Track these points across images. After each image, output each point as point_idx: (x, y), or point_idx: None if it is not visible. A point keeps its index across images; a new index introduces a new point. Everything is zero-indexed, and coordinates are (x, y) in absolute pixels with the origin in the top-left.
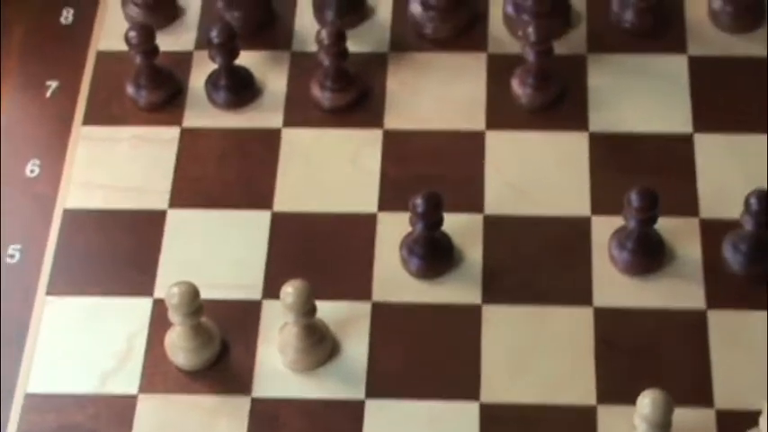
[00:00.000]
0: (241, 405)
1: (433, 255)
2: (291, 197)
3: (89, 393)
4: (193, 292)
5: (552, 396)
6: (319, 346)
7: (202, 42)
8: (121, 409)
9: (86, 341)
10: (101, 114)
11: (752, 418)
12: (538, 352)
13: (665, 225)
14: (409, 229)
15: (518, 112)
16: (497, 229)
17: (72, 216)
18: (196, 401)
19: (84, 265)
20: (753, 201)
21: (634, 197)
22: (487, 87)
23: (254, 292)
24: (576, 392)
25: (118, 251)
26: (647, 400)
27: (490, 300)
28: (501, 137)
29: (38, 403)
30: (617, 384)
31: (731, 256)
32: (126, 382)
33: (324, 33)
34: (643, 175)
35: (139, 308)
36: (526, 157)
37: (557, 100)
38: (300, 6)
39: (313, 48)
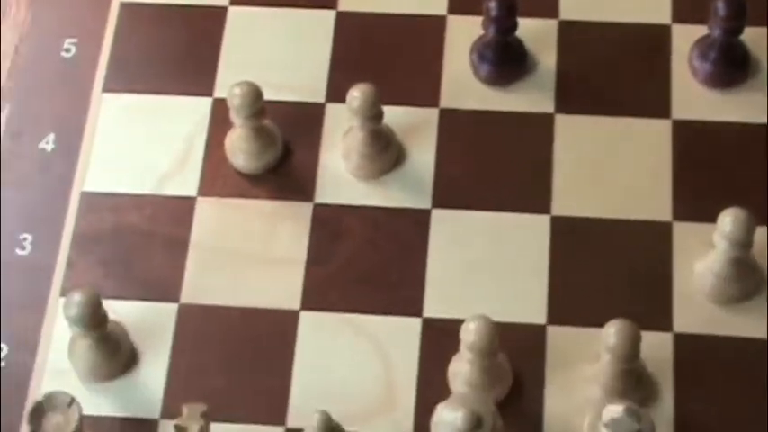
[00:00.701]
0: (303, 211)
1: (505, 60)
2: None
3: (146, 194)
4: (256, 92)
5: (626, 211)
6: (385, 152)
7: None
8: (179, 211)
9: (144, 141)
10: None
11: None
12: (612, 165)
13: (751, 35)
14: (481, 32)
15: None
16: (573, 34)
17: (129, 9)
18: (256, 206)
19: (141, 61)
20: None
21: (720, 5)
22: None
23: (318, 95)
24: (652, 208)
25: (177, 48)
26: (729, 218)
27: (563, 109)
28: None
29: (94, 202)
30: (694, 201)
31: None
32: (184, 183)
33: None
34: None
35: (199, 108)
36: None
37: None
38: None
39: None
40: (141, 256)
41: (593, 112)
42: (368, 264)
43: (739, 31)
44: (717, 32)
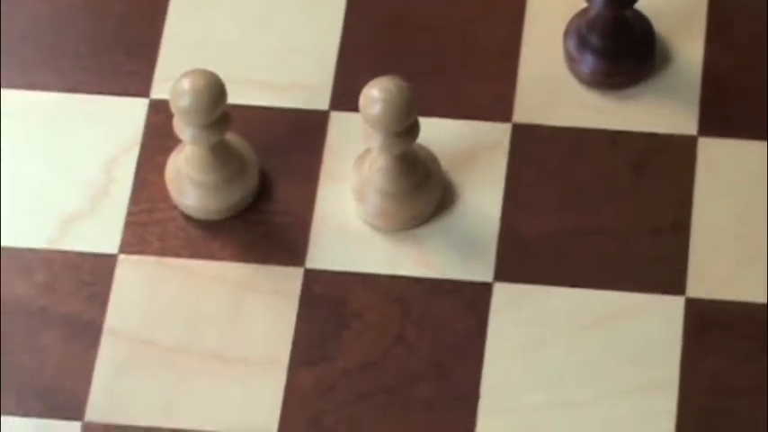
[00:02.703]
0: (288, 281)
1: (621, 49)
2: None
3: (39, 249)
4: (216, 88)
5: None
6: (421, 190)
7: None
8: (90, 277)
9: (41, 165)
10: None
11: None
12: None
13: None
14: (581, 3)
15: None
16: (734, 9)
17: None
18: (213, 271)
19: (42, 41)
20: None
21: None
22: None
23: (318, 97)
24: None
25: (94, 19)
26: None
27: (713, 130)
28: None
29: None
30: None
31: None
32: (99, 233)
33: None
34: None
35: (127, 113)
36: None
37: None
38: None
39: None
40: (28, 347)
41: (763, 135)
42: (390, 370)
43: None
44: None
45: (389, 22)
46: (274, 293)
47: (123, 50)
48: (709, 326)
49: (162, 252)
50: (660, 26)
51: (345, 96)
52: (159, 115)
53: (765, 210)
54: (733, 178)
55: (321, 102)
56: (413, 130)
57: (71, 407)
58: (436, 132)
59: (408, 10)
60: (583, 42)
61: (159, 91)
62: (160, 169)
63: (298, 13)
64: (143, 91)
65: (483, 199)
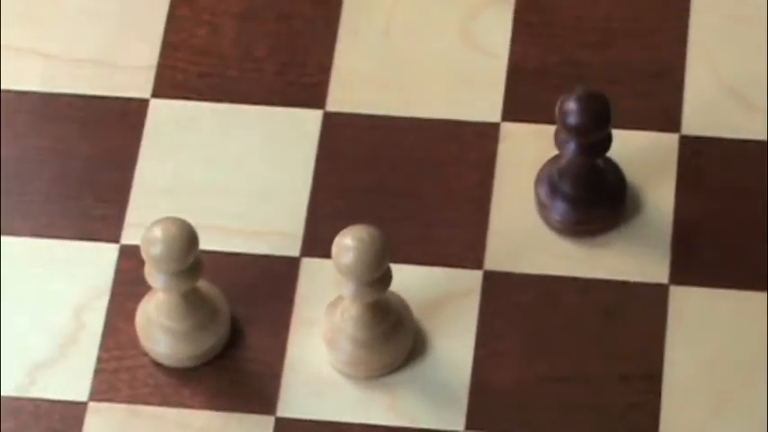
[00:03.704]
0: (260, 430)
1: (592, 197)
2: (357, 88)
3: (10, 396)
4: (187, 236)
5: None
6: (393, 338)
7: None
8: (61, 424)
9: (11, 310)
10: None
11: None
12: (761, 371)
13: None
14: (553, 151)
15: None
16: (703, 158)
17: (6, 99)
18: (184, 420)
19: (13, 180)
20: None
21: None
22: None
23: (289, 243)
24: None
25: (65, 162)
26: None
27: (684, 278)
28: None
29: None
30: None
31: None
32: (69, 381)
33: None
34: None
35: (97, 260)
36: (756, 39)
37: None
38: None
39: None
40: None
41: (734, 284)
42: None
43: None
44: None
45: (362, 167)
46: None
47: (93, 195)
48: None
49: (132, 400)
50: (631, 174)
51: (317, 243)
52: (130, 261)
53: (736, 359)
54: (704, 327)
55: (292, 248)
56: (385, 278)
57: None
58: (407, 279)
59: (381, 154)
60: (554, 190)
61: (130, 236)
62: (130, 316)
63: (268, 157)
64: (113, 236)
65: (454, 347)
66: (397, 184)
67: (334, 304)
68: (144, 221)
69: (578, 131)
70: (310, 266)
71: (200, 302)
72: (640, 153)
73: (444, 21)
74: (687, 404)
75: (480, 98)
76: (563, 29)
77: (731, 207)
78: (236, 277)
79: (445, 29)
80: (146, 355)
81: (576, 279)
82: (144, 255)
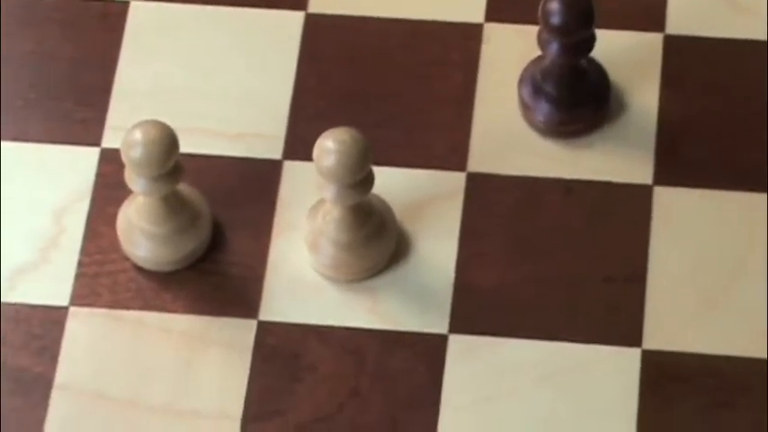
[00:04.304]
0: (240, 333)
1: (576, 97)
2: None
3: None
4: (168, 139)
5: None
6: (375, 241)
7: None
8: (40, 330)
9: None
10: None
11: None
12: (744, 270)
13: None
14: (536, 51)
15: None
16: (687, 58)
17: None
18: (165, 323)
19: None
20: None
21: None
22: None
23: (271, 146)
24: None
25: (44, 66)
26: None
27: (668, 178)
28: None
29: None
30: None
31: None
32: (49, 285)
33: None
34: None
35: (78, 163)
36: None
37: None
38: None
39: None
40: None
41: (717, 184)
42: (344, 424)
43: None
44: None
45: (344, 69)
46: (227, 346)
47: (73, 98)
48: (666, 379)
49: (113, 304)
50: (615, 75)
51: (299, 145)
52: (110, 165)
53: (721, 259)
54: (689, 227)
55: (274, 151)
56: (367, 181)
57: None
58: (390, 182)
59: (363, 56)
60: (537, 91)
61: (111, 140)
62: (111, 220)
63: (250, 60)
64: (94, 139)
65: (438, 249)
66: (379, 87)
67: (316, 207)
68: (125, 125)
69: (561, 31)
70: (292, 169)
71: (181, 206)
72: (624, 53)
73: None
74: (671, 305)
75: None
76: None
77: (715, 107)
78: (217, 180)
79: None
80: (127, 259)
81: (559, 180)
82: (124, 158)
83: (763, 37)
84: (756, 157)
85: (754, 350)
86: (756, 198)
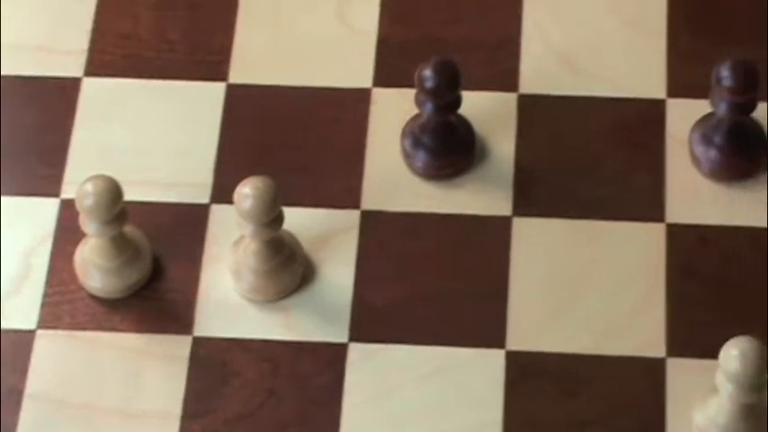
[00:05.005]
0: (178, 347)
1: (447, 147)
2: (254, 64)
3: None
4: (114, 190)
5: (606, 345)
6: (286, 268)
7: None
8: (13, 348)
9: None
10: None
11: None
12: (587, 284)
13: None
14: (414, 110)
15: None
16: (537, 112)
17: None
18: (116, 341)
19: None
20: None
21: (725, 73)
22: None
23: (200, 193)
24: (639, 342)
25: (12, 132)
26: (736, 353)
27: (524, 211)
28: None
29: None
30: (693, 330)
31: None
32: (20, 312)
33: None
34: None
35: (42, 212)
36: (579, 14)
37: None
38: None
39: None
40: None
41: (564, 215)
42: (265, 420)
43: (751, 106)
44: (722, 109)
45: (259, 128)
46: (167, 358)
47: (37, 158)
48: (526, 374)
49: (73, 327)
50: (479, 128)
51: (223, 191)
52: (69, 212)
53: (568, 275)
54: (542, 250)
55: (203, 196)
56: (278, 219)
57: None
58: (298, 219)
59: (274, 117)
60: (416, 142)
61: (68, 192)
62: (70, 257)
63: (182, 123)
64: (54, 192)
65: (338, 274)
66: (288, 142)
67: (237, 242)
68: (79, 179)
69: (434, 94)
70: (218, 211)
71: (127, 244)
72: (486, 110)
73: (323, 3)
74: (528, 314)
75: (354, 68)
76: (423, 9)
77: (561, 152)
78: (156, 222)
79: (324, 10)
80: (83, 289)
81: (435, 214)
82: (78, 207)
83: (597, 93)
84: (596, 192)
85: (594, 349)
86: (596, 225)
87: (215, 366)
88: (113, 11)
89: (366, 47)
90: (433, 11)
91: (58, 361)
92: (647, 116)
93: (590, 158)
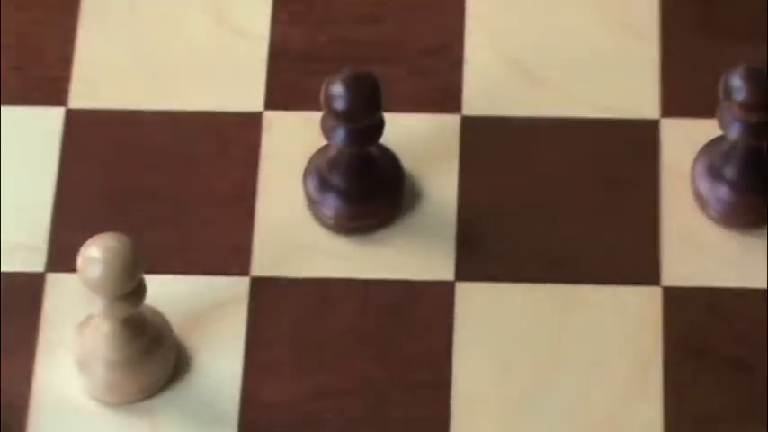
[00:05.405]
0: None
1: (366, 189)
2: (102, 81)
3: None
4: None
5: None
6: (151, 357)
7: None
8: None
9: None
10: None
11: None
12: (556, 370)
13: None
14: (321, 140)
15: None
16: (486, 140)
17: None
18: None
19: None
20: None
21: (738, 83)
22: None
23: (32, 257)
24: None
25: None
26: None
27: (470, 273)
28: None
29: None
30: (700, 428)
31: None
32: None
33: None
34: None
35: None
36: (541, 9)
37: None
38: None
39: None
40: None
41: (523, 278)
42: None
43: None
44: (734, 132)
45: (110, 168)
46: None
47: None
48: None
49: None
50: (409, 162)
51: (63, 255)
52: None
53: (531, 355)
54: (495, 324)
55: (36, 263)
56: (138, 291)
57: None
58: (166, 290)
59: (131, 153)
60: (324, 183)
61: None
62: None
63: (6, 164)
64: None
65: (221, 364)
66: (150, 186)
67: (84, 323)
68: None
69: (346, 117)
70: (56, 282)
71: None
72: (419, 138)
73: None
74: (477, 412)
75: (239, 86)
76: (329, 4)
77: (517, 191)
78: None
79: (199, 8)
80: None
81: (353, 281)
82: None
83: (568, 114)
84: (565, 247)
85: None
86: (567, 291)
87: None
88: None
89: (255, 56)
90: (345, 5)
91: None
92: (636, 143)
93: (559, 201)
